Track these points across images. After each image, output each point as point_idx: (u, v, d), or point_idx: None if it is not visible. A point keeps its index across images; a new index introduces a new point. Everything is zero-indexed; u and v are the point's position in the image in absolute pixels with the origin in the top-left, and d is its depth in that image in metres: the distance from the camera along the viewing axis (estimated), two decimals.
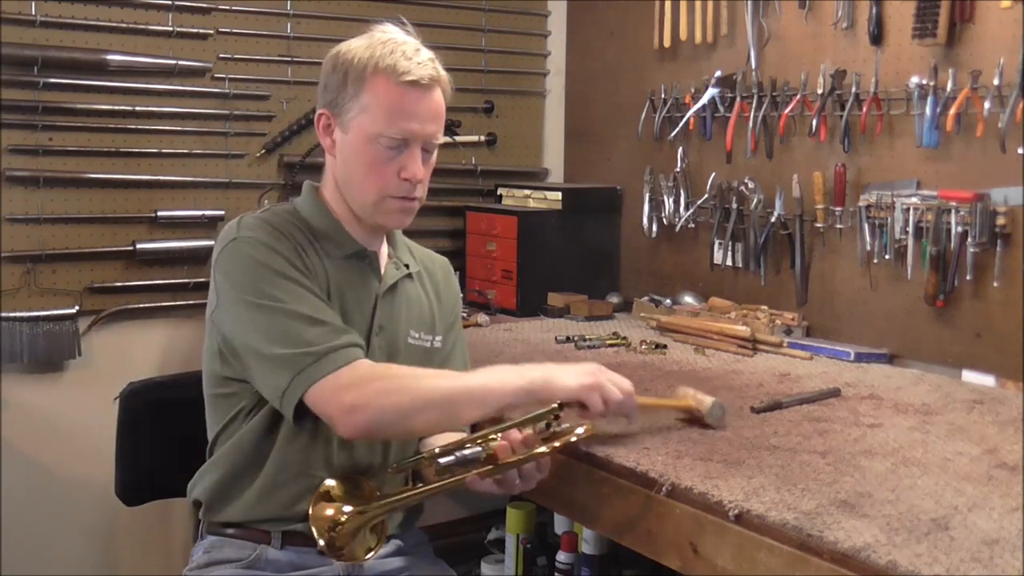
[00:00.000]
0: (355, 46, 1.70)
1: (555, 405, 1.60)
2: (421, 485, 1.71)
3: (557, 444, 1.60)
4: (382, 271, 1.80)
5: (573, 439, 1.62)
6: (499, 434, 1.60)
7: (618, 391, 1.65)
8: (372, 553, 1.67)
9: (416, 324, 1.82)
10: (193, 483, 1.79)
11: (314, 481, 1.67)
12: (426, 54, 1.70)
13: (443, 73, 1.73)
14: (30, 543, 2.70)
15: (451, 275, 1.97)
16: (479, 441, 1.61)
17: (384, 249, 1.83)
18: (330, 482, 1.66)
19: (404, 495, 1.69)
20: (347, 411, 1.55)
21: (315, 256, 1.71)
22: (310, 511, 1.62)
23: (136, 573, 2.85)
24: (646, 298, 3.02)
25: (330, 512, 1.63)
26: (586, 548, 2.61)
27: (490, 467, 1.58)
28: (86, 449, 2.62)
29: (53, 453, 2.72)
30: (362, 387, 1.56)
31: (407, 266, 1.84)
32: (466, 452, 1.60)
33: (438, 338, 1.86)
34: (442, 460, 1.60)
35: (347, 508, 1.63)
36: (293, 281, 1.63)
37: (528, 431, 1.61)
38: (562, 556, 2.66)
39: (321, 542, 1.60)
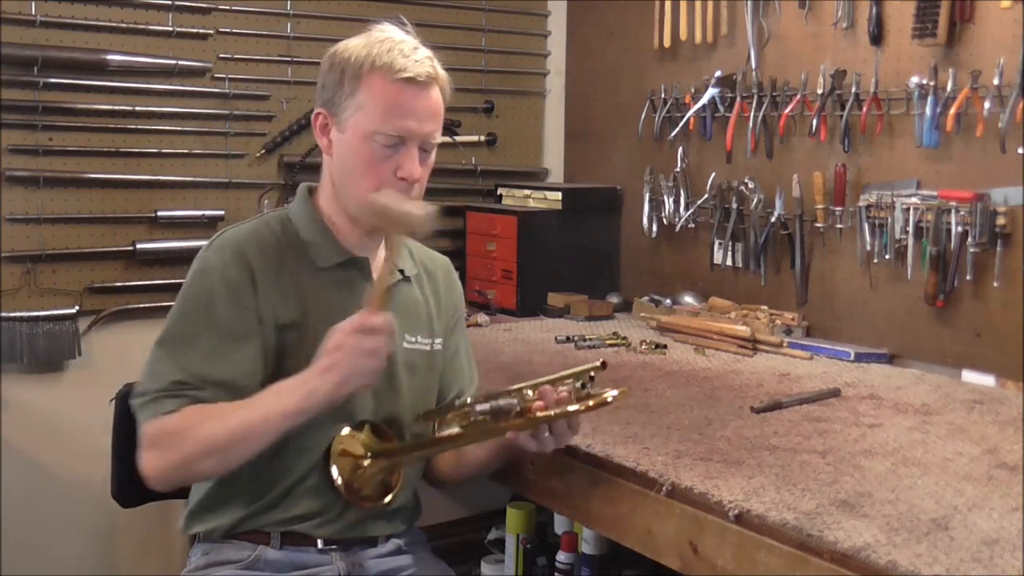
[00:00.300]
0: (352, 45, 1.69)
1: (598, 364, 1.61)
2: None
3: (591, 403, 1.59)
4: (374, 276, 1.77)
5: (609, 399, 1.59)
6: (534, 389, 1.62)
7: (365, 359, 1.51)
8: (390, 497, 1.68)
9: (412, 328, 1.80)
10: (189, 521, 1.77)
11: (310, 482, 1.68)
12: (424, 52, 1.69)
13: (442, 72, 1.71)
14: (30, 543, 2.70)
15: (452, 276, 1.96)
16: (513, 393, 1.63)
17: (380, 253, 1.80)
18: (347, 430, 1.66)
19: (435, 442, 1.70)
20: (146, 476, 1.61)
21: (290, 273, 1.69)
22: (330, 449, 1.63)
23: (135, 573, 2.84)
24: (646, 298, 3.02)
25: (354, 453, 1.64)
26: (586, 548, 2.61)
27: (522, 420, 1.60)
28: (86, 449, 2.62)
29: (53, 453, 2.72)
30: (151, 451, 1.59)
31: (402, 271, 1.82)
32: (501, 403, 1.62)
33: (438, 340, 1.84)
34: (478, 407, 1.63)
35: (371, 452, 1.65)
36: (203, 319, 1.64)
37: (563, 390, 1.61)
38: (562, 556, 2.65)
39: (339, 480, 1.62)
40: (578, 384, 1.61)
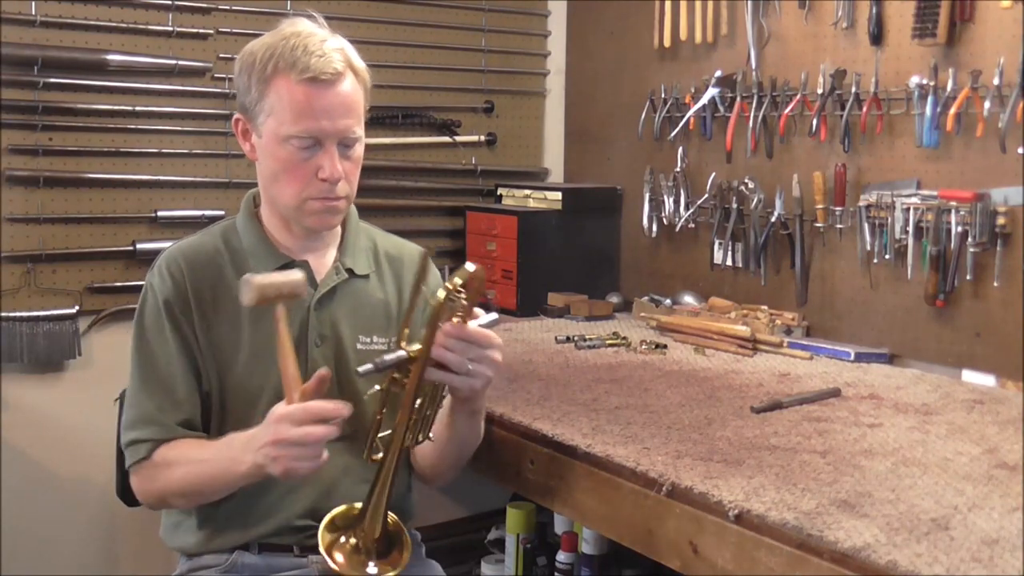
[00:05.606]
0: (258, 46, 1.64)
1: (451, 286, 1.48)
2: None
3: (461, 315, 1.50)
4: (319, 279, 1.73)
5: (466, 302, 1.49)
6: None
7: (306, 462, 1.46)
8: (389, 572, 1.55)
9: (366, 329, 1.75)
10: (167, 535, 1.79)
11: (286, 502, 1.69)
12: (333, 45, 1.62)
13: (357, 62, 1.64)
14: (30, 543, 2.70)
15: (425, 268, 1.79)
16: (399, 344, 1.52)
17: (329, 254, 1.76)
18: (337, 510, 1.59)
19: (377, 488, 1.56)
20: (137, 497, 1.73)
21: (228, 287, 1.67)
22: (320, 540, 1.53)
23: (136, 573, 2.84)
24: (646, 298, 3.02)
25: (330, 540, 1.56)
26: (586, 548, 2.61)
27: (419, 363, 1.49)
28: (86, 449, 2.62)
29: (53, 453, 2.72)
30: (135, 480, 1.70)
31: (350, 270, 1.75)
32: (387, 358, 1.50)
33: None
34: (361, 370, 1.50)
35: (342, 538, 1.56)
36: (148, 343, 1.69)
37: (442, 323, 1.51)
38: (562, 556, 2.66)
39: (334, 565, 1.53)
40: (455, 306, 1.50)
